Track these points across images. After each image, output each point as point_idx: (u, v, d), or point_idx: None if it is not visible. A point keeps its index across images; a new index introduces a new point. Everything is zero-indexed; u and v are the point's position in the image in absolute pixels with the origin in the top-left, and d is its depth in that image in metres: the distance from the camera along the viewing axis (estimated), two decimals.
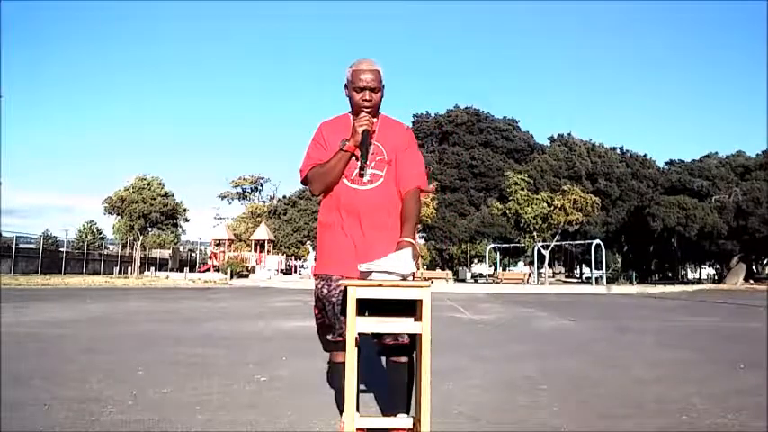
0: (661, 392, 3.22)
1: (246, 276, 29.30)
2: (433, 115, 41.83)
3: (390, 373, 2.12)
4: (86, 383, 3.21)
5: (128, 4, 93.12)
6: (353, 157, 2.11)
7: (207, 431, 2.38)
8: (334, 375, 2.17)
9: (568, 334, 6.55)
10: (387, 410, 2.22)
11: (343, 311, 1.86)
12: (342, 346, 1.98)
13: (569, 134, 40.77)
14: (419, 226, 2.34)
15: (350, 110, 2.18)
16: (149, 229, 39.32)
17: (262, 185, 51.58)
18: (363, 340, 1.99)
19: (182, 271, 30.48)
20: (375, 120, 2.14)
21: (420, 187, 2.14)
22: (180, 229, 46.65)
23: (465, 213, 36.53)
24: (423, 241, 36.49)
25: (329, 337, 2.11)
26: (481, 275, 34.63)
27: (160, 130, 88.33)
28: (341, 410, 1.94)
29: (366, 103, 2.09)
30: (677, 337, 6.39)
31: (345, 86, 2.14)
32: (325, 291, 2.09)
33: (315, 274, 2.17)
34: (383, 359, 2.19)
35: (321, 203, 2.21)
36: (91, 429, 2.37)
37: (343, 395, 1.82)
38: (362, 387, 2.54)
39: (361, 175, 2.10)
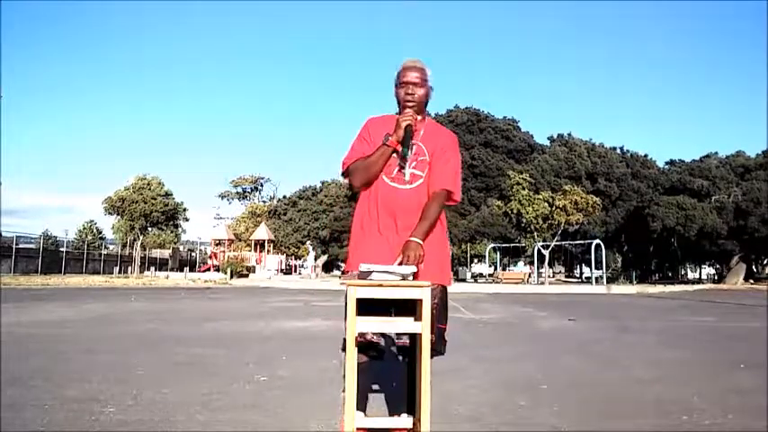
0: (661, 392, 3.22)
1: (246, 276, 29.31)
2: (433, 115, 41.77)
3: (403, 373, 2.12)
4: (86, 383, 3.21)
5: (127, 4, 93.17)
6: (395, 154, 2.11)
7: (207, 431, 2.38)
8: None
9: (568, 334, 6.55)
10: (396, 410, 2.21)
11: (369, 310, 1.86)
12: (365, 346, 1.97)
13: (569, 134, 40.75)
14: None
15: (398, 110, 2.21)
16: (149, 228, 39.37)
17: (262, 185, 51.67)
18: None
19: (182, 271, 30.50)
20: (420, 118, 2.16)
21: (447, 189, 2.12)
22: (180, 229, 46.74)
23: (465, 213, 36.48)
24: None
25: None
26: (481, 275, 34.62)
27: (160, 130, 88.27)
28: (357, 409, 1.93)
29: (409, 98, 2.12)
30: (677, 337, 6.39)
31: (395, 86, 2.19)
32: None
33: (347, 271, 2.15)
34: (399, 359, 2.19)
35: (359, 198, 2.21)
36: (91, 429, 2.37)
37: (360, 395, 1.83)
38: (376, 387, 2.52)
39: (401, 171, 2.10)
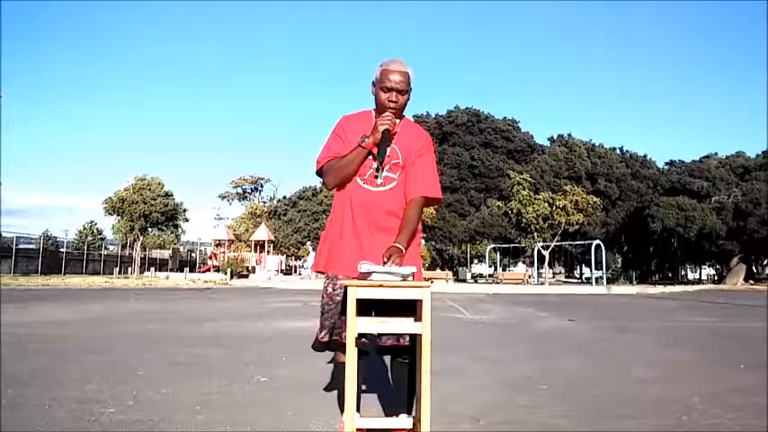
0: (661, 392, 3.22)
1: (246, 277, 29.30)
2: (433, 115, 41.83)
3: (395, 373, 2.12)
4: (86, 383, 3.21)
5: (128, 4, 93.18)
6: (370, 156, 2.09)
7: (207, 431, 2.38)
8: (337, 375, 2.17)
9: (568, 334, 6.55)
10: (390, 410, 2.22)
11: (344, 311, 1.86)
12: (341, 346, 1.97)
13: (569, 134, 40.80)
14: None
15: (374, 107, 2.17)
16: (149, 229, 39.36)
17: (262, 186, 51.65)
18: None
19: (182, 271, 30.49)
20: (398, 121, 2.12)
21: (426, 196, 2.11)
22: (180, 230, 46.74)
23: (465, 214, 36.51)
24: (423, 242, 36.41)
25: (321, 334, 2.10)
26: (481, 276, 34.60)
27: (160, 130, 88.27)
28: (343, 411, 1.95)
29: (391, 104, 2.08)
30: (677, 337, 6.39)
31: (373, 84, 2.13)
32: (330, 289, 2.10)
33: (319, 271, 2.16)
34: (387, 359, 2.19)
35: (333, 198, 2.21)
36: (91, 429, 2.37)
37: (343, 395, 1.82)
38: (364, 387, 2.53)
39: (376, 176, 2.09)
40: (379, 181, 2.09)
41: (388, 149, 2.09)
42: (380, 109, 2.12)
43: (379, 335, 2.02)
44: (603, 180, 36.72)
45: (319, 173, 2.17)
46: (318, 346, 2.11)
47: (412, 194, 2.10)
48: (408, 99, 2.12)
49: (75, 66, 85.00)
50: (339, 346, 2.07)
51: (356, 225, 2.09)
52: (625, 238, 37.71)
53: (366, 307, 1.86)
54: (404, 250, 1.97)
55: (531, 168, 35.07)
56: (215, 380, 3.40)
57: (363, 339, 2.01)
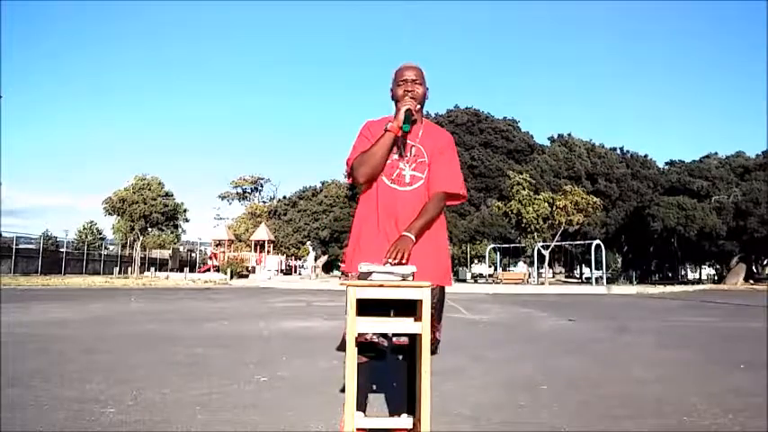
0: (661, 392, 3.22)
1: (246, 277, 29.31)
2: (433, 115, 41.83)
3: (402, 373, 2.12)
4: (86, 383, 3.21)
5: (128, 4, 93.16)
6: (395, 157, 2.11)
7: (207, 431, 2.38)
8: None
9: (568, 334, 6.55)
10: (396, 410, 2.21)
11: (369, 310, 1.86)
12: (365, 347, 1.97)
13: (569, 134, 40.78)
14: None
15: (394, 110, 2.19)
16: (149, 229, 39.39)
17: (262, 186, 51.71)
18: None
19: (182, 271, 30.49)
20: (419, 107, 2.17)
21: (447, 191, 2.13)
22: (180, 230, 46.75)
23: (465, 213, 36.48)
24: None
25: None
26: (481, 276, 34.59)
27: (160, 131, 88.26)
28: (358, 410, 1.94)
29: (409, 94, 2.13)
30: (677, 337, 6.39)
31: (391, 89, 2.19)
32: None
33: (346, 272, 2.15)
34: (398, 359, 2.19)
35: (359, 199, 2.21)
36: (91, 429, 2.37)
37: (360, 395, 1.83)
38: (375, 387, 2.52)
39: (401, 171, 2.10)
40: (406, 180, 2.11)
41: (413, 149, 2.12)
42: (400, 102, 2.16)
43: (394, 333, 2.02)
44: (603, 180, 36.71)
45: (350, 173, 2.16)
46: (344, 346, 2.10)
47: (434, 189, 2.12)
48: (426, 94, 2.18)
49: (76, 66, 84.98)
50: (365, 347, 2.06)
51: (382, 225, 2.09)
52: (625, 238, 37.69)
53: (380, 306, 1.86)
54: (414, 238, 1.97)
55: (531, 168, 35.04)
56: (215, 380, 3.40)
57: (382, 339, 2.01)
